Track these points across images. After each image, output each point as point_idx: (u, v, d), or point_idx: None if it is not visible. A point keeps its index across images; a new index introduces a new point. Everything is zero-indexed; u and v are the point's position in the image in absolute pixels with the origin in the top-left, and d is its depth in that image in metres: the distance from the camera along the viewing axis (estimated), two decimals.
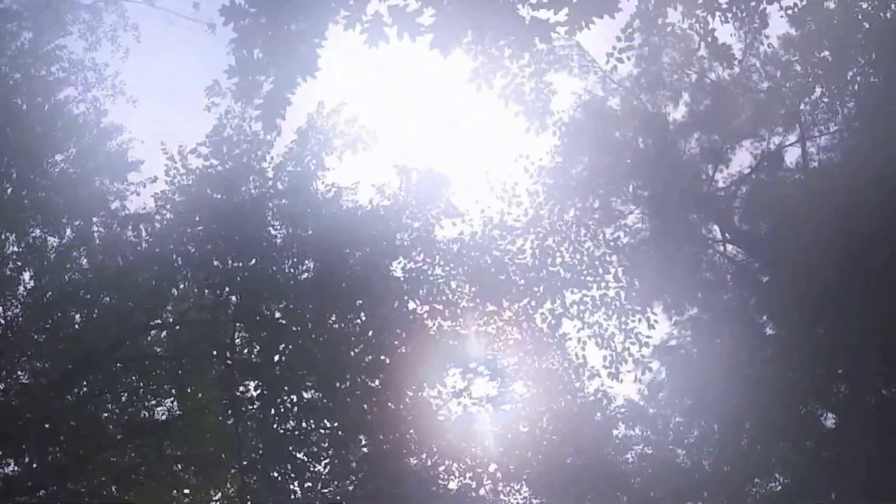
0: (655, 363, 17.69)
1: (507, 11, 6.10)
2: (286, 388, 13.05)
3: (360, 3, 5.44)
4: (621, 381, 12.16)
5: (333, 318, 11.73)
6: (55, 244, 16.22)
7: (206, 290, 14.59)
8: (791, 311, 17.71)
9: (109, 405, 16.83)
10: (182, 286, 15.86)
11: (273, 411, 13.01)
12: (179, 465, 16.52)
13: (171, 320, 15.90)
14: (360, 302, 11.70)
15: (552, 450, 13.90)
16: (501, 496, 12.72)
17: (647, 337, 12.19)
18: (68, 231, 16.65)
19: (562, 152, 19.21)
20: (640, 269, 15.24)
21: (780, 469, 18.63)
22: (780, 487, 18.84)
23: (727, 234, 19.04)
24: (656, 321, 12.53)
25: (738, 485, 17.70)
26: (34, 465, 15.83)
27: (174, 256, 14.40)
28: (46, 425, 16.08)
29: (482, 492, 12.31)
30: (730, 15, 7.94)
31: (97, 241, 16.70)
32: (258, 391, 13.18)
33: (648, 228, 18.00)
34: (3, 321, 16.82)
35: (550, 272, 12.25)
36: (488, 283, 11.97)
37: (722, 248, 19.13)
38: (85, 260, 16.93)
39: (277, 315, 13.57)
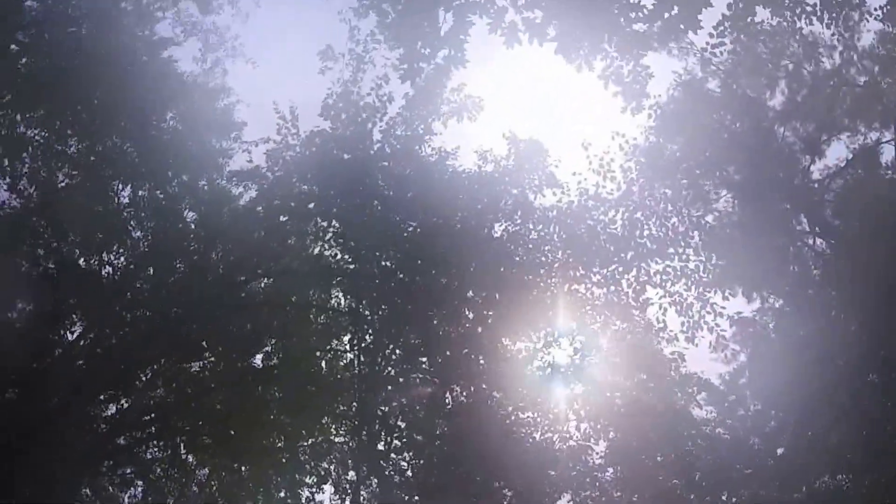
0: (736, 346, 19.62)
1: (616, 27, 8.02)
2: (385, 339, 15.51)
3: (499, 12, 7.49)
4: (696, 345, 14.22)
5: (434, 274, 14.06)
6: (163, 197, 19.16)
7: (311, 244, 17.19)
8: (878, 312, 19.12)
9: (206, 354, 19.88)
10: (289, 241, 18.50)
11: (371, 359, 15.46)
12: (276, 411, 19.49)
13: (275, 271, 18.55)
14: (459, 260, 14.01)
15: (631, 420, 16.01)
16: (581, 455, 14.99)
17: (722, 307, 14.33)
18: (175, 185, 19.48)
19: (658, 131, 20.84)
20: (725, 251, 17.06)
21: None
22: (847, 485, 20.37)
23: (817, 228, 20.45)
24: (731, 294, 14.55)
25: (808, 477, 19.29)
26: (137, 408, 18.88)
27: (281, 211, 16.98)
28: (149, 370, 19.09)
29: (564, 447, 14.62)
30: (815, 18, 9.70)
31: (204, 196, 19.46)
32: (359, 340, 15.70)
33: (737, 213, 19.67)
34: (112, 269, 19.74)
35: (638, 243, 14.40)
36: (580, 249, 14.18)
37: (811, 241, 20.60)
38: (192, 213, 19.77)
39: (378, 271, 16.06)
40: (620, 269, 14.41)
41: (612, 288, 14.33)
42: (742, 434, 21.18)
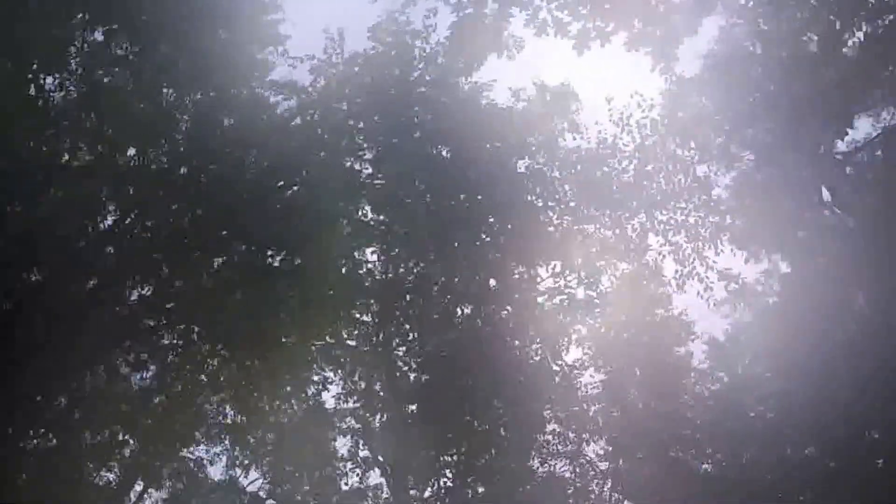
0: (740, 305, 22.48)
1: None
2: (406, 254, 18.40)
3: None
4: (685, 291, 17.20)
5: (460, 199, 16.92)
6: (204, 101, 21.69)
7: (345, 159, 19.95)
8: (886, 292, 21.72)
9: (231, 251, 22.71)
10: (322, 153, 21.22)
11: (393, 270, 18.44)
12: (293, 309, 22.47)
13: (306, 180, 21.27)
14: (484, 189, 16.81)
15: (623, 356, 19.14)
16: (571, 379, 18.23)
17: (714, 261, 17.32)
18: (214, 92, 21.94)
19: (692, 85, 23.05)
20: (740, 210, 19.84)
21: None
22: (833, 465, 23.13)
23: (835, 200, 22.89)
24: (722, 250, 17.58)
25: (786, 447, 22.25)
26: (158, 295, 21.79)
27: (318, 125, 19.67)
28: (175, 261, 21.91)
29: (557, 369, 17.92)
30: None
31: (243, 103, 21.97)
32: (381, 252, 18.65)
33: (759, 174, 22.16)
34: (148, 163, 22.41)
35: (648, 193, 17.32)
36: (593, 192, 17.05)
37: (826, 213, 23.06)
38: (230, 119, 22.35)
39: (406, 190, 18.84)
40: (627, 215, 17.37)
41: (618, 231, 17.32)
42: (734, 393, 24.14)
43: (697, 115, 19.21)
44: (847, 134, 21.79)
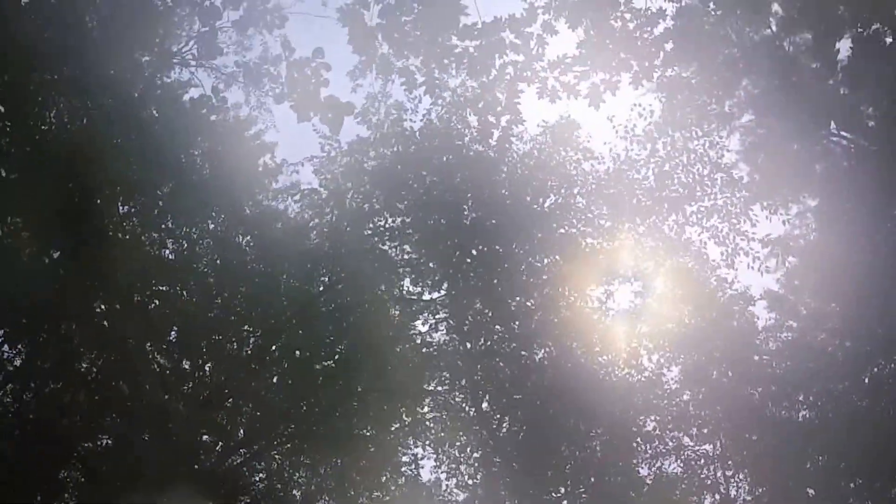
0: (784, 254, 24.04)
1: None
2: (457, 318, 19.99)
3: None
4: (737, 269, 18.94)
5: (494, 249, 18.58)
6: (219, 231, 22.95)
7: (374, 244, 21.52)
8: None
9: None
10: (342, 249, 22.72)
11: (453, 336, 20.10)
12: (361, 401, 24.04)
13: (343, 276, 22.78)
14: (514, 234, 18.48)
15: (697, 345, 20.76)
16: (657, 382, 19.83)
17: (753, 233, 19.03)
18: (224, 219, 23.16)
19: (672, 59, 24.47)
20: (756, 169, 21.47)
21: None
22: None
23: (840, 124, 24.41)
24: (757, 220, 19.34)
25: (870, 363, 23.68)
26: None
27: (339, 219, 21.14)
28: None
29: (642, 378, 19.47)
30: None
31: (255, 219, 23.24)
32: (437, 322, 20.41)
33: (761, 127, 23.71)
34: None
35: (671, 191, 19.02)
36: (622, 207, 18.75)
37: (836, 139, 24.61)
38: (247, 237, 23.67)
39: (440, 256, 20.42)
40: (658, 218, 19.09)
41: (656, 235, 19.01)
42: (807, 334, 25.64)
43: (692, 100, 20.82)
44: (829, 61, 23.51)
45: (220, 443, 21.33)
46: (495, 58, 10.57)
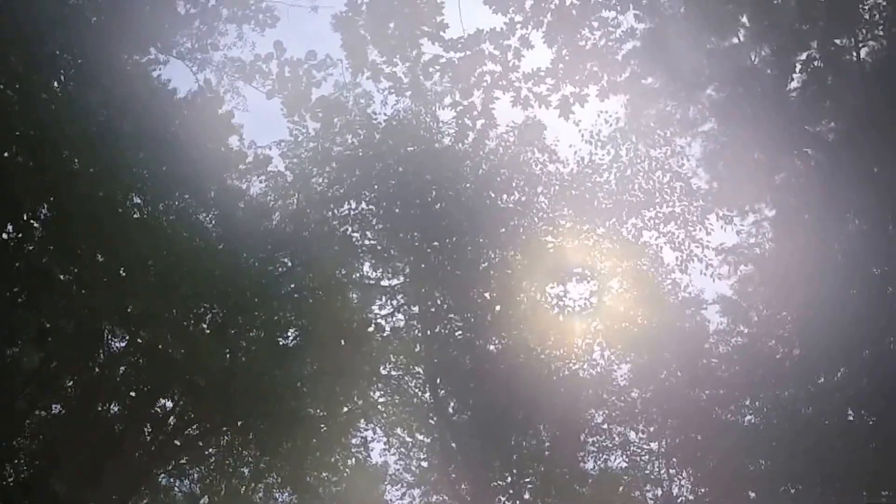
0: (737, 262, 25.81)
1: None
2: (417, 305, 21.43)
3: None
4: (690, 274, 20.70)
5: (455, 243, 19.95)
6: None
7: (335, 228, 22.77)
8: (870, 206, 25.02)
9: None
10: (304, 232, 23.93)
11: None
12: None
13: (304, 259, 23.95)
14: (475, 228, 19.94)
15: (648, 343, 22.46)
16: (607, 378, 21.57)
17: (708, 241, 20.77)
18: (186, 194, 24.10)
19: (637, 60, 26.03)
20: (716, 176, 23.11)
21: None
22: (865, 380, 26.44)
23: (800, 137, 26.03)
24: (712, 229, 21.06)
25: (819, 372, 25.49)
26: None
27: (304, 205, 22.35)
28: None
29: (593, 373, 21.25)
30: None
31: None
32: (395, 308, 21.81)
33: (723, 134, 25.28)
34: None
35: (631, 196, 20.60)
36: (583, 208, 20.30)
37: (796, 151, 26.20)
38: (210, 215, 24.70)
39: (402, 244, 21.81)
40: (618, 221, 20.73)
41: (615, 237, 20.62)
42: (756, 339, 27.37)
43: (656, 108, 22.37)
44: (793, 73, 25.13)
45: (173, 417, 22.28)
46: (475, 67, 11.89)
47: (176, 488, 25.09)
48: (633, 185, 20.82)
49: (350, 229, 21.55)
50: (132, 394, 22.31)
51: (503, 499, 24.82)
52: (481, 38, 12.07)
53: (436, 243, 20.35)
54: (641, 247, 21.12)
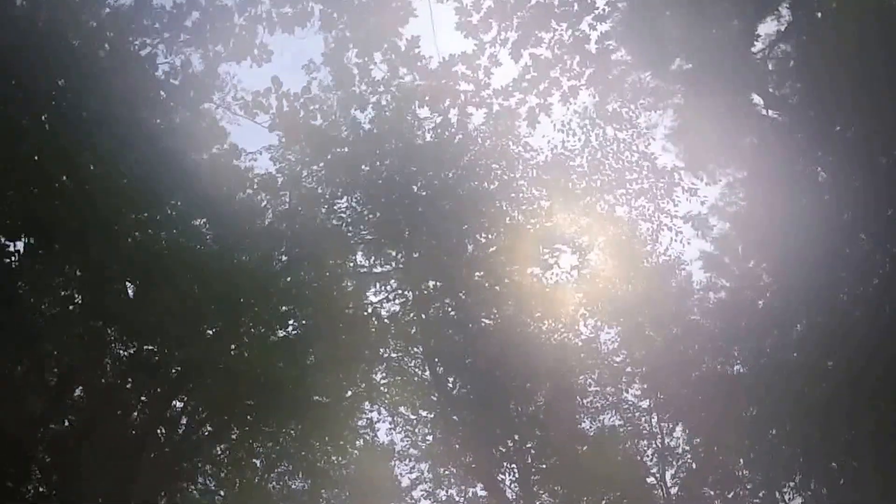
0: (715, 219, 27.91)
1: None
2: (410, 288, 23.58)
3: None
4: (661, 243, 23.15)
5: (444, 226, 22.14)
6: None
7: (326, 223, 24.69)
8: (842, 164, 26.92)
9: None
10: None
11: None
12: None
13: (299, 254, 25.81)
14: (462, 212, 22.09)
15: (635, 305, 24.82)
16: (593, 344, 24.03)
17: (676, 211, 23.07)
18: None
19: (614, 36, 27.69)
20: (686, 147, 25.23)
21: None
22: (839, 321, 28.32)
23: (767, 100, 27.86)
24: (679, 201, 23.33)
25: (794, 321, 27.54)
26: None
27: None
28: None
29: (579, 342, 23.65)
30: None
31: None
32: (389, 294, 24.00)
33: (693, 104, 27.11)
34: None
35: (603, 176, 22.87)
36: (559, 190, 22.55)
37: (765, 113, 28.11)
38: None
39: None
40: (592, 199, 23.05)
41: (591, 214, 22.93)
42: (737, 292, 29.48)
43: (624, 87, 24.32)
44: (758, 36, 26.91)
45: (185, 417, 23.75)
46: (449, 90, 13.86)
47: (191, 487, 25.91)
48: (605, 166, 23.07)
49: (341, 223, 23.46)
50: (143, 398, 23.66)
51: (507, 464, 27.23)
52: (455, 62, 13.96)
53: (424, 230, 22.37)
54: (616, 220, 23.49)
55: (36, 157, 17.47)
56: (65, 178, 18.61)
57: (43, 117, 17.75)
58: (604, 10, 14.69)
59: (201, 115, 22.04)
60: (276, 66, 18.13)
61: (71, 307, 21.90)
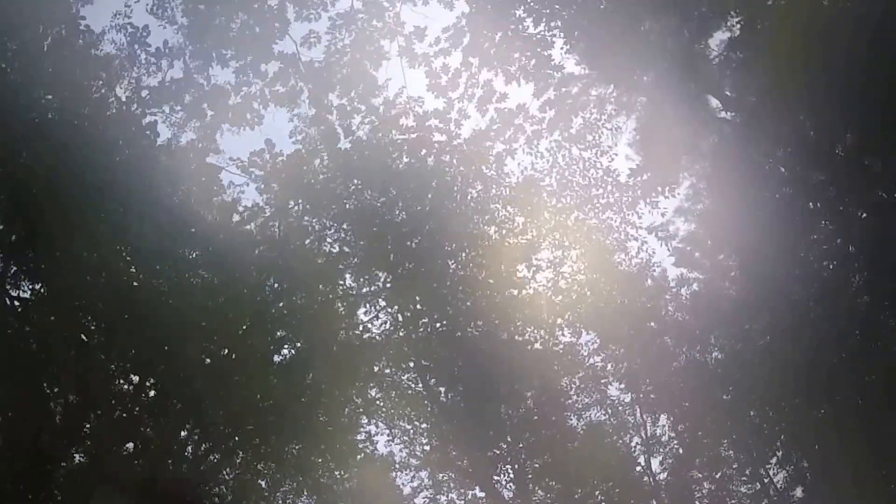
0: (682, 221, 29.94)
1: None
2: (398, 307, 25.60)
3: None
4: (628, 254, 25.54)
5: (426, 247, 24.20)
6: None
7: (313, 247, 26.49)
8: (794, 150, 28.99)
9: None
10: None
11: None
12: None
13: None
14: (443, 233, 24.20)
15: (608, 312, 27.10)
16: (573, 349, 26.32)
17: (640, 223, 25.31)
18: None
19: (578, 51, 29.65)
20: (650, 155, 27.38)
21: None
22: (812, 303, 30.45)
23: (723, 103, 29.78)
24: (643, 213, 25.41)
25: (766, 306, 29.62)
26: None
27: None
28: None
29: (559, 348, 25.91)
30: None
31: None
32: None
33: (655, 112, 28.99)
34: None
35: (571, 192, 25.06)
36: (532, 207, 24.79)
37: (723, 114, 30.01)
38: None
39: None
40: (563, 215, 25.24)
41: (562, 228, 25.24)
42: (710, 283, 31.52)
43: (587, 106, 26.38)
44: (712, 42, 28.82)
45: (191, 447, 25.09)
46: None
47: None
48: (572, 184, 25.24)
49: (329, 249, 25.38)
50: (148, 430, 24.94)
51: (502, 465, 29.30)
52: (427, 118, 15.95)
53: (408, 252, 24.41)
54: (587, 232, 25.74)
55: None
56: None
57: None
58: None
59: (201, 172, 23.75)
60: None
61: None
